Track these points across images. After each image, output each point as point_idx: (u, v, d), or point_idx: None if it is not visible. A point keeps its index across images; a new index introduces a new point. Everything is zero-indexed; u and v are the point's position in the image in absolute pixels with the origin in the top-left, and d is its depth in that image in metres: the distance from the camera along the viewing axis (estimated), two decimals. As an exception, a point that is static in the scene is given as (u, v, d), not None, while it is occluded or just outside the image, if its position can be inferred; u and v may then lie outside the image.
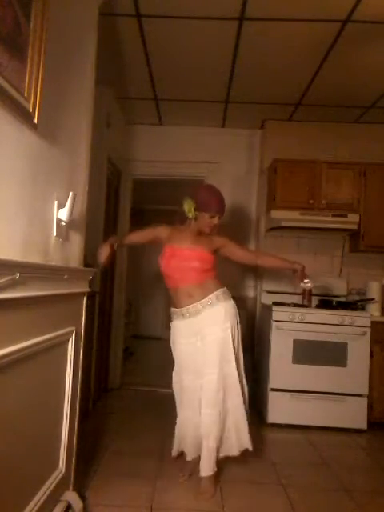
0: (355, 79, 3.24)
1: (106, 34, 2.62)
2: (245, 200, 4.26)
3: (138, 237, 2.58)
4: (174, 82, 3.46)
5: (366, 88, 3.36)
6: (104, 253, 2.32)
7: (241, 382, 2.37)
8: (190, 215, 2.38)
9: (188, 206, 2.37)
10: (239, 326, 2.40)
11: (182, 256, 2.35)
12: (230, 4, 2.45)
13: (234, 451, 2.33)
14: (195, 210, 2.37)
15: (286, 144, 4.01)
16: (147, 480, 2.32)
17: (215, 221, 2.39)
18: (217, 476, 2.33)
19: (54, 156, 1.72)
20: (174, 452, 2.44)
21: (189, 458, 2.37)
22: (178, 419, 2.43)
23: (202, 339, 2.31)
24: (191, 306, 2.33)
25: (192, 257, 2.34)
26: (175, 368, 2.44)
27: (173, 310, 2.44)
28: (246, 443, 2.33)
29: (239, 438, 2.33)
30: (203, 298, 2.32)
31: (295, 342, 3.34)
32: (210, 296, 2.33)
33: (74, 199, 1.77)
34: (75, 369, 1.96)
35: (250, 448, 2.33)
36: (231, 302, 2.40)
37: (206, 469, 2.23)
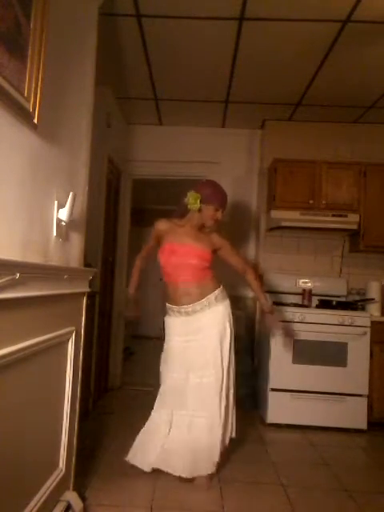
0: (355, 79, 3.24)
1: (106, 34, 2.62)
2: (245, 200, 4.26)
3: (148, 251, 2.58)
4: (174, 82, 3.46)
5: (366, 88, 3.36)
6: (132, 311, 2.48)
7: (228, 386, 2.34)
8: (196, 207, 2.38)
9: (193, 198, 2.38)
10: (232, 326, 2.40)
11: (181, 252, 2.35)
12: (230, 4, 2.45)
13: (203, 470, 2.27)
14: (201, 202, 2.38)
15: (286, 144, 4.01)
16: (147, 480, 2.32)
17: (219, 214, 2.41)
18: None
19: (54, 156, 1.72)
20: (137, 460, 2.33)
21: (179, 473, 2.25)
22: (151, 420, 2.37)
23: (201, 340, 2.31)
24: (189, 305, 2.33)
25: (192, 254, 2.34)
26: (166, 364, 2.39)
27: (169, 306, 2.43)
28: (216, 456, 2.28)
29: (211, 456, 2.28)
30: (202, 299, 2.33)
31: (295, 342, 3.34)
32: (209, 296, 2.34)
33: (73, 199, 1.77)
34: (75, 369, 1.96)
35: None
36: (227, 302, 2.41)
37: (203, 468, 2.23)
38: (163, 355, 2.42)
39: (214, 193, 2.40)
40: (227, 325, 2.35)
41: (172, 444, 2.28)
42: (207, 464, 2.26)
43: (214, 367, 2.29)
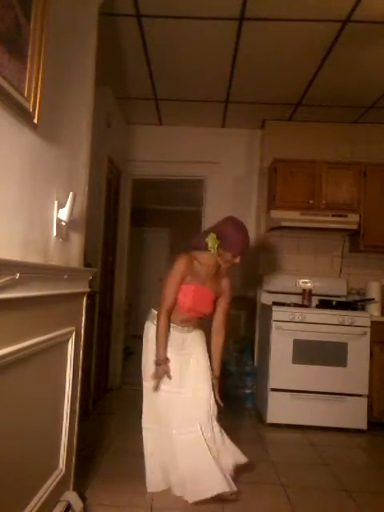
0: (355, 79, 3.24)
1: (106, 34, 2.62)
2: (245, 200, 4.26)
3: (174, 297, 2.28)
4: (174, 82, 3.46)
5: (366, 88, 3.36)
6: (162, 373, 2.21)
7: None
8: (213, 251, 2.28)
9: (212, 243, 2.27)
10: None
11: (203, 295, 2.32)
12: (230, 4, 2.45)
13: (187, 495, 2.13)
14: (218, 247, 2.26)
15: (286, 144, 4.01)
16: (147, 480, 2.32)
17: (237, 260, 2.28)
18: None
19: (53, 156, 1.72)
20: (158, 486, 2.22)
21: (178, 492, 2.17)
22: (157, 443, 2.24)
23: (195, 354, 2.32)
24: (187, 328, 2.35)
25: (207, 299, 2.34)
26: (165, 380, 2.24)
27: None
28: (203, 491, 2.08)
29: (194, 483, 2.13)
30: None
31: (295, 342, 3.34)
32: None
33: (73, 199, 1.76)
34: (75, 369, 1.96)
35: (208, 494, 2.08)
36: None
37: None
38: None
39: (235, 239, 2.25)
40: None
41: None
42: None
43: (207, 380, 2.29)
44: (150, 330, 2.31)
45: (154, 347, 2.24)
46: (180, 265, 2.25)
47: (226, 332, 2.48)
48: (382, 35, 2.66)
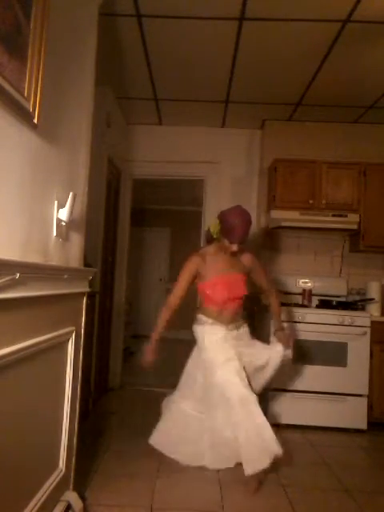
0: (355, 79, 3.24)
1: (106, 34, 2.62)
2: (245, 200, 4.24)
3: (182, 292, 2.52)
4: (174, 82, 3.46)
5: (366, 88, 3.36)
6: (150, 356, 2.46)
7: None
8: (215, 236, 2.51)
9: (214, 228, 2.52)
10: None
11: (230, 281, 2.47)
12: (230, 4, 2.45)
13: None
14: (219, 232, 2.48)
15: (286, 144, 4.01)
16: (147, 480, 2.32)
17: (234, 247, 2.45)
18: None
19: (53, 156, 1.72)
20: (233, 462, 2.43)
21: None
22: (221, 422, 2.37)
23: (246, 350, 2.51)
24: (233, 324, 2.52)
25: (237, 284, 2.49)
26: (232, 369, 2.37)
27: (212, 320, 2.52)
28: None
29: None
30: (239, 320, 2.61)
31: (295, 342, 3.33)
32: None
33: (74, 199, 1.77)
34: (75, 369, 1.96)
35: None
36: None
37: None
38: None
39: (233, 227, 2.40)
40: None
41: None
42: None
43: None
44: (198, 331, 2.53)
45: (209, 345, 2.44)
46: (189, 263, 2.50)
47: (276, 291, 2.76)
48: (382, 35, 2.66)
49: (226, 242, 2.46)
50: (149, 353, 2.45)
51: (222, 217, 2.46)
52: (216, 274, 2.47)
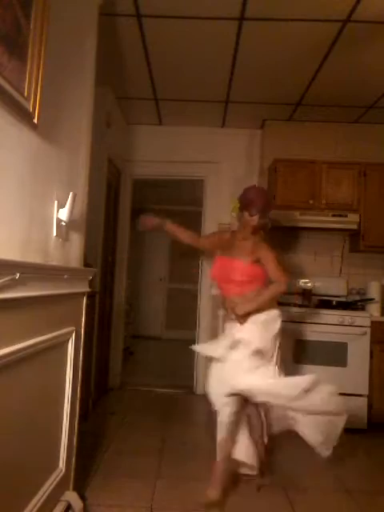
0: (355, 79, 3.23)
1: (106, 34, 2.62)
2: (245, 200, 4.26)
3: (205, 239, 2.73)
4: (174, 82, 3.46)
5: (366, 88, 3.36)
6: (150, 219, 2.58)
7: None
8: (234, 214, 2.49)
9: (233, 205, 2.48)
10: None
11: (227, 264, 2.42)
12: (230, 4, 2.44)
13: None
14: (239, 208, 2.44)
15: (286, 144, 4.01)
16: (147, 480, 2.32)
17: (254, 220, 2.35)
18: None
19: (53, 156, 1.72)
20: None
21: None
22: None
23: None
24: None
25: (233, 267, 2.39)
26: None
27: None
28: None
29: None
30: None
31: (295, 342, 3.34)
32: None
33: (73, 199, 1.77)
34: (75, 369, 1.96)
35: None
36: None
37: None
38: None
39: (252, 199, 2.38)
40: None
41: None
42: None
43: None
44: (277, 318, 2.51)
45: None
46: (216, 231, 2.88)
47: (284, 282, 2.40)
48: (382, 35, 2.66)
49: (246, 215, 2.38)
50: (151, 219, 2.58)
51: (241, 194, 2.47)
52: (221, 253, 2.52)
